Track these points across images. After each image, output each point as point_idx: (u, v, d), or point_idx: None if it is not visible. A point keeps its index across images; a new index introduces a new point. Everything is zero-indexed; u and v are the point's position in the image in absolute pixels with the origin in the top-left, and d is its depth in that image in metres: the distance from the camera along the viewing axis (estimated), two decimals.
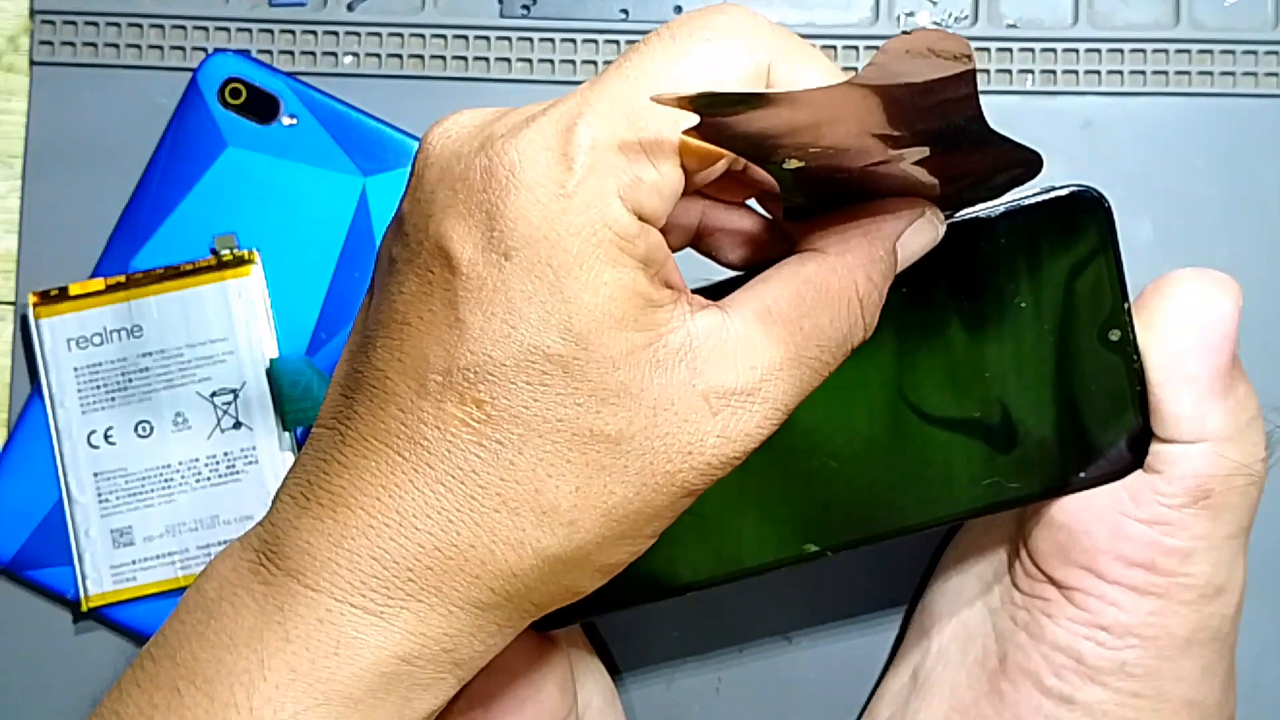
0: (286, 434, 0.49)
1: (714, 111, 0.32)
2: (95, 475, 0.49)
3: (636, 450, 0.33)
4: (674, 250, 0.37)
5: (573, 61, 0.51)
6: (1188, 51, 0.51)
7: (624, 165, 0.32)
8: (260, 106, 0.50)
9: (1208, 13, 0.51)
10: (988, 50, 0.51)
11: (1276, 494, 0.47)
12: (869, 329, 0.36)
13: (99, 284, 0.49)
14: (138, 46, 0.51)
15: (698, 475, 0.34)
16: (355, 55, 0.51)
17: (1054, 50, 0.51)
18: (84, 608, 0.49)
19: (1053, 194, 0.41)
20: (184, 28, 0.51)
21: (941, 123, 0.33)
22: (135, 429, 0.49)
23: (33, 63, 0.52)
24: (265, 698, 0.33)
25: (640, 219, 0.33)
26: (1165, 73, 0.51)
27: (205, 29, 0.51)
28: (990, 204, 0.40)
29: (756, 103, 0.32)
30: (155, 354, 0.49)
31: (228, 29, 0.51)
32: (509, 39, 0.51)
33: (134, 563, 0.49)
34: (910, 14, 0.51)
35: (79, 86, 0.51)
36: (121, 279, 0.49)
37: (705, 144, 0.33)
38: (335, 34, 0.51)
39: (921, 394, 0.42)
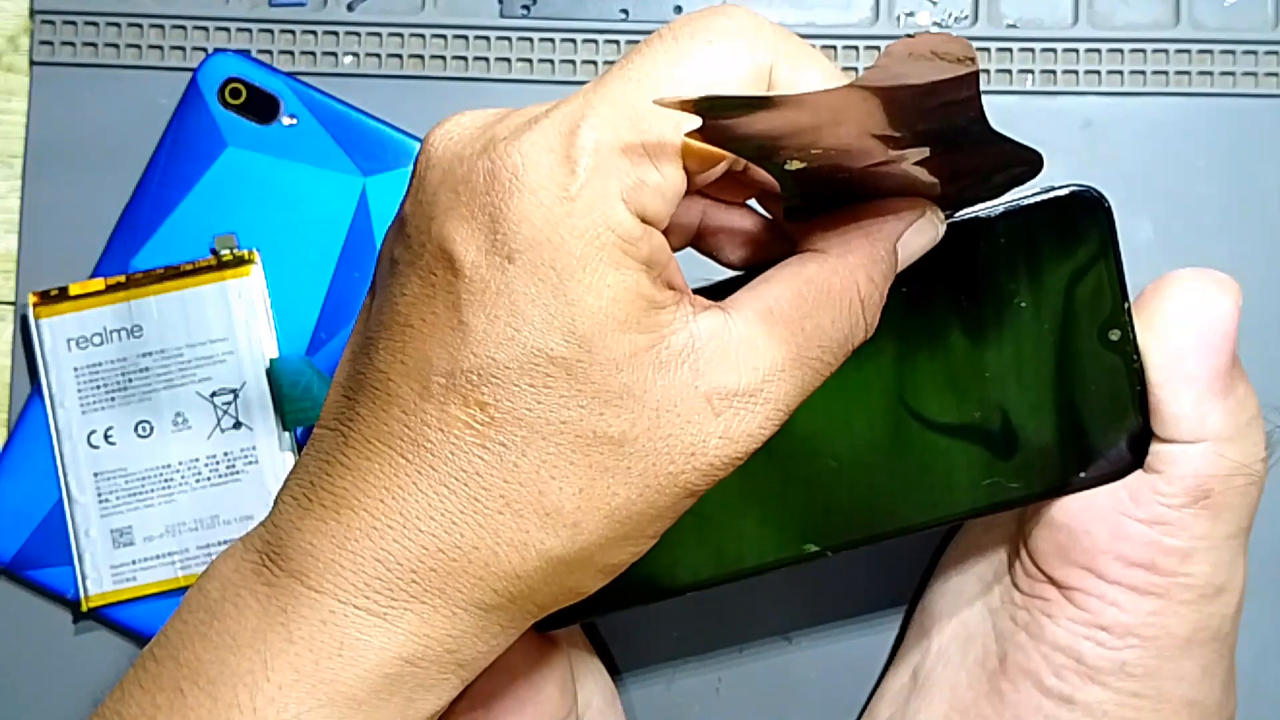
0: (286, 434, 0.49)
1: (716, 114, 0.32)
2: (95, 475, 0.49)
3: (640, 452, 0.33)
4: (674, 250, 0.37)
5: (573, 62, 0.51)
6: (1188, 51, 0.51)
7: (627, 168, 0.32)
8: (260, 106, 0.50)
9: (1208, 13, 0.51)
10: (988, 50, 0.51)
11: (1276, 494, 0.47)
12: (870, 329, 0.36)
13: (99, 284, 0.49)
14: (138, 46, 0.51)
15: (700, 476, 0.34)
16: (355, 55, 0.51)
17: (1054, 50, 0.51)
18: (84, 608, 0.49)
19: (1053, 194, 0.41)
20: (184, 28, 0.51)
21: (943, 124, 0.33)
22: (135, 429, 0.49)
23: (33, 63, 0.51)
24: (268, 698, 0.33)
25: (643, 221, 0.33)
26: (1165, 73, 0.51)
27: (205, 29, 0.51)
28: (990, 204, 0.40)
29: (758, 105, 0.32)
30: (155, 354, 0.49)
31: (228, 29, 0.51)
32: (509, 39, 0.51)
33: (134, 563, 0.49)
34: (910, 14, 0.51)
35: (79, 86, 0.51)
36: (121, 279, 0.49)
37: (707, 146, 0.33)
38: (335, 34, 0.51)
39: (921, 394, 0.42)
